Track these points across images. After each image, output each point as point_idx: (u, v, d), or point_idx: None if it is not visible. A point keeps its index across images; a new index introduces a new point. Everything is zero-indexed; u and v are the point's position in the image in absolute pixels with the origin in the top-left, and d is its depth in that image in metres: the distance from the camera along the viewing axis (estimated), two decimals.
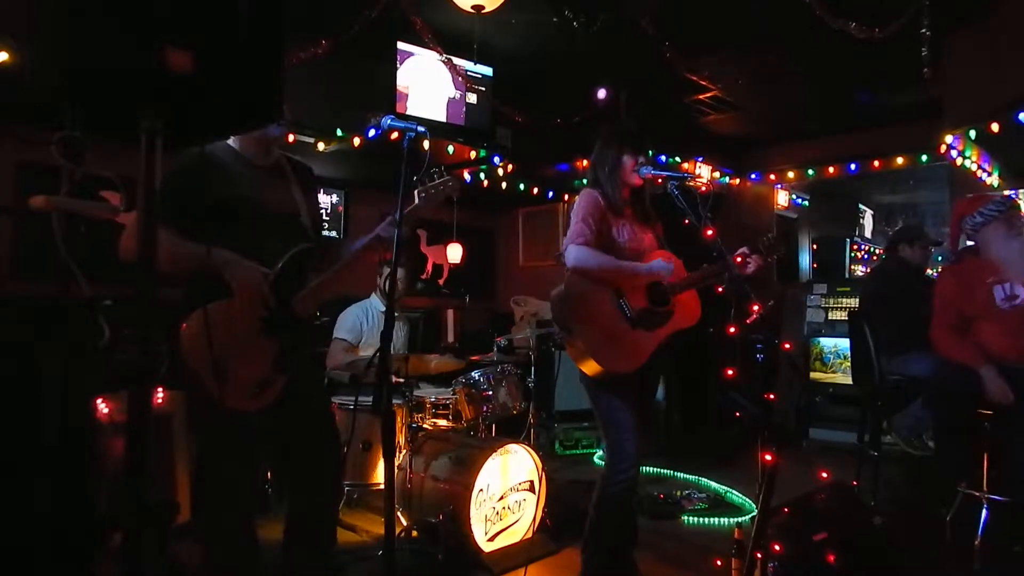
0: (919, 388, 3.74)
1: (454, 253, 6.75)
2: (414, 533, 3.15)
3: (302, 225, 2.23)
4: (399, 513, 3.22)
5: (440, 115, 5.00)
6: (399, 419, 3.47)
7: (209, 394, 1.91)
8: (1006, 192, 4.99)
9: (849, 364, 4.60)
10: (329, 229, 6.23)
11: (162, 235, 1.88)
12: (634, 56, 4.67)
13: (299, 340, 2.12)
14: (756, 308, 2.45)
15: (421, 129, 1.94)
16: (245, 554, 2.15)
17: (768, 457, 1.91)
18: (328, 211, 6.23)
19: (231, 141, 2.18)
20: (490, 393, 3.64)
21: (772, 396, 2.37)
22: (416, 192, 2.17)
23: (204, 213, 1.99)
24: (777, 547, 2.34)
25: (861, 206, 9.61)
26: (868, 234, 9.70)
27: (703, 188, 6.24)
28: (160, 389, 3.22)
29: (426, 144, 2.16)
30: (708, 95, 5.63)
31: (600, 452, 4.94)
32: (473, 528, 2.99)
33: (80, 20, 1.04)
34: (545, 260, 7.12)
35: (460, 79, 5.02)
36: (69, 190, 2.13)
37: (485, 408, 3.60)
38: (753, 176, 7.17)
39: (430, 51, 4.70)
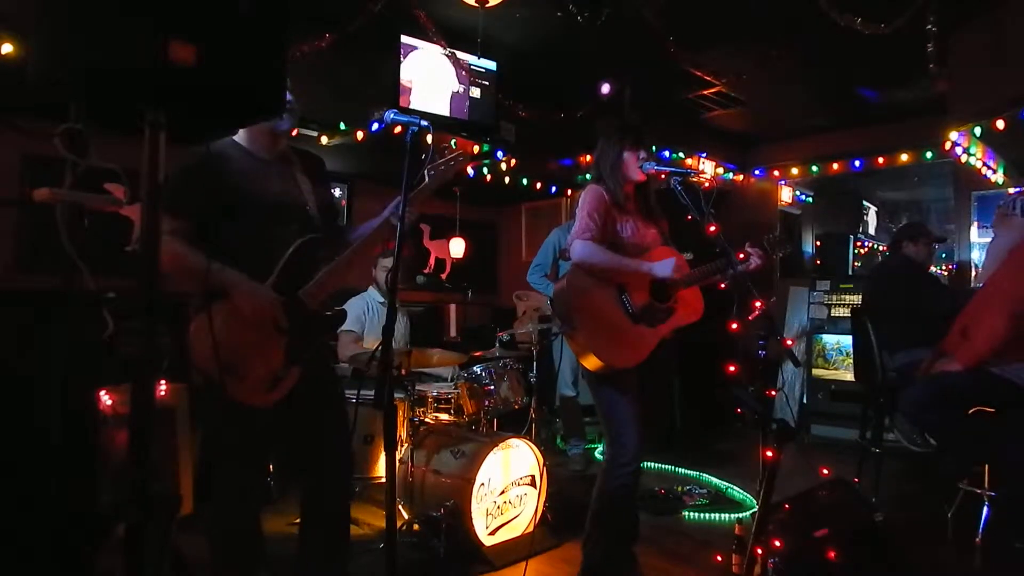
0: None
1: (457, 248, 6.75)
2: (415, 527, 3.16)
3: (309, 215, 2.22)
4: (400, 507, 3.23)
5: (444, 109, 4.99)
6: (401, 413, 3.48)
7: (221, 390, 1.92)
8: (1010, 190, 4.98)
9: (851, 360, 4.60)
10: None
11: (171, 245, 1.90)
12: (638, 51, 4.66)
13: (309, 332, 2.12)
14: (758, 304, 2.45)
15: (424, 123, 1.94)
16: (249, 547, 2.16)
17: (769, 453, 1.91)
18: None
19: (238, 136, 2.18)
20: (492, 388, 3.64)
21: (773, 392, 2.38)
22: (426, 171, 2.16)
23: (210, 208, 1.99)
24: (778, 543, 2.35)
25: (865, 203, 9.60)
26: (872, 231, 9.69)
27: (706, 184, 6.23)
28: (163, 382, 3.22)
29: (429, 138, 2.16)
30: (712, 90, 5.61)
31: (601, 447, 4.95)
32: (474, 522, 2.99)
33: (83, 15, 1.04)
34: None
35: (464, 73, 5.01)
36: (73, 182, 2.14)
37: (487, 403, 3.61)
38: (757, 172, 7.15)
39: (434, 45, 4.69)
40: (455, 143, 5.14)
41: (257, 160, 2.17)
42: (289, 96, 2.15)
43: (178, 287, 1.89)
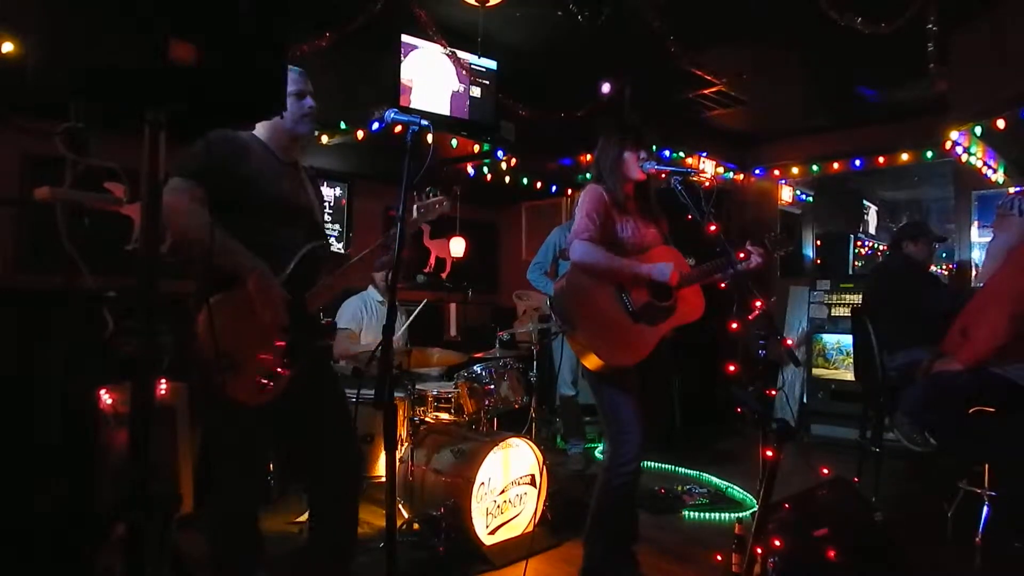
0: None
1: (457, 247, 6.75)
2: (415, 526, 3.16)
3: (315, 221, 2.28)
4: (400, 506, 3.23)
5: (444, 109, 4.99)
6: (401, 412, 3.48)
7: (221, 388, 1.92)
8: (1010, 189, 4.97)
9: (851, 360, 4.60)
10: (333, 221, 6.25)
11: (187, 203, 1.89)
12: (638, 50, 4.66)
13: (307, 335, 2.13)
14: (759, 304, 2.45)
15: (424, 123, 1.94)
16: (249, 547, 2.16)
17: (769, 453, 1.91)
18: (331, 204, 6.24)
19: (259, 132, 2.19)
20: (492, 387, 3.64)
21: (773, 392, 2.38)
22: (415, 207, 2.22)
23: (222, 188, 1.99)
24: (777, 542, 2.35)
25: (865, 202, 9.59)
26: (872, 230, 9.68)
27: (706, 183, 6.22)
28: (163, 380, 3.23)
29: (429, 138, 2.16)
30: (712, 90, 5.61)
31: (601, 446, 4.95)
32: (474, 521, 3.00)
33: (83, 15, 1.04)
34: None
35: (464, 72, 5.00)
36: (73, 181, 2.14)
37: (487, 402, 3.61)
38: (757, 171, 7.15)
39: (434, 44, 4.69)
40: (455, 143, 5.14)
41: (275, 159, 2.20)
42: (311, 102, 2.19)
43: (181, 248, 1.88)
